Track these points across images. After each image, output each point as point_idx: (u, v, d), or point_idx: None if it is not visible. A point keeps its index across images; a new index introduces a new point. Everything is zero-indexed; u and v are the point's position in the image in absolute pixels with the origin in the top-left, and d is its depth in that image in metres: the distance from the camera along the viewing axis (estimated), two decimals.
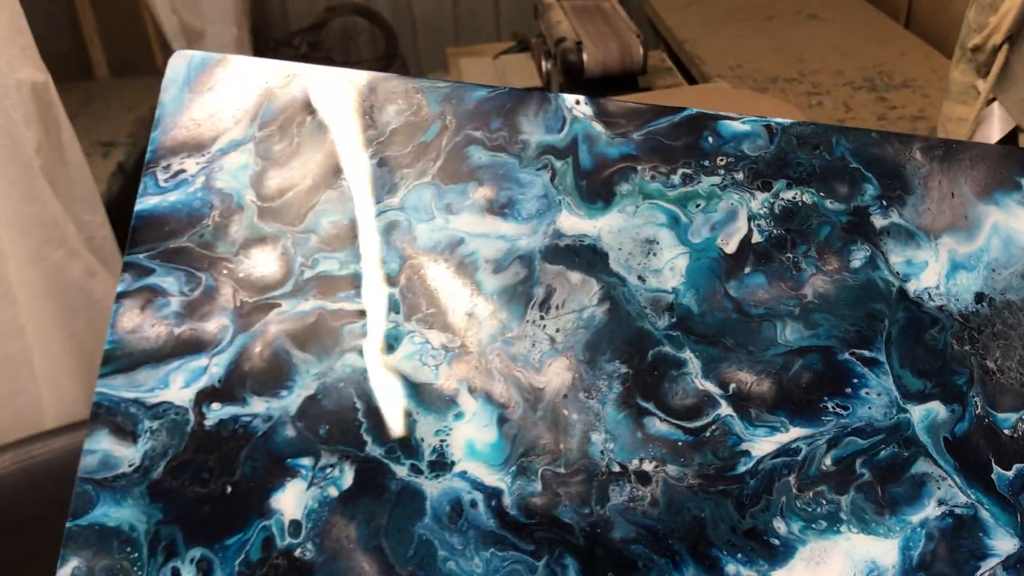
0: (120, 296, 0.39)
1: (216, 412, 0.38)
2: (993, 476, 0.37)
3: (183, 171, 0.40)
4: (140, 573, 0.37)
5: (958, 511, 0.37)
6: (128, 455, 0.38)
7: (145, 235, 0.40)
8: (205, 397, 0.38)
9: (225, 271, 0.39)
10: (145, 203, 0.40)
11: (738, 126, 0.40)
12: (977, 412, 0.38)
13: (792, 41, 1.87)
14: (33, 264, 0.87)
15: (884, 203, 0.39)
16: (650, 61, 1.19)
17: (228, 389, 0.38)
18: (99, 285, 0.94)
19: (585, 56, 1.06)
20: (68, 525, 0.37)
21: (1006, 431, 0.37)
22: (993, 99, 0.79)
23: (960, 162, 0.40)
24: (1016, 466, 0.37)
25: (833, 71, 1.72)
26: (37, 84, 0.87)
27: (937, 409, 0.38)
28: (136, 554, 0.37)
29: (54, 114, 0.91)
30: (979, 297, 0.39)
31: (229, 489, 0.37)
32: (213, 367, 0.38)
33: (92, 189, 0.97)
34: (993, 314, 0.38)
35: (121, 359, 0.38)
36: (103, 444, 0.38)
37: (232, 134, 0.41)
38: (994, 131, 0.77)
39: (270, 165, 0.40)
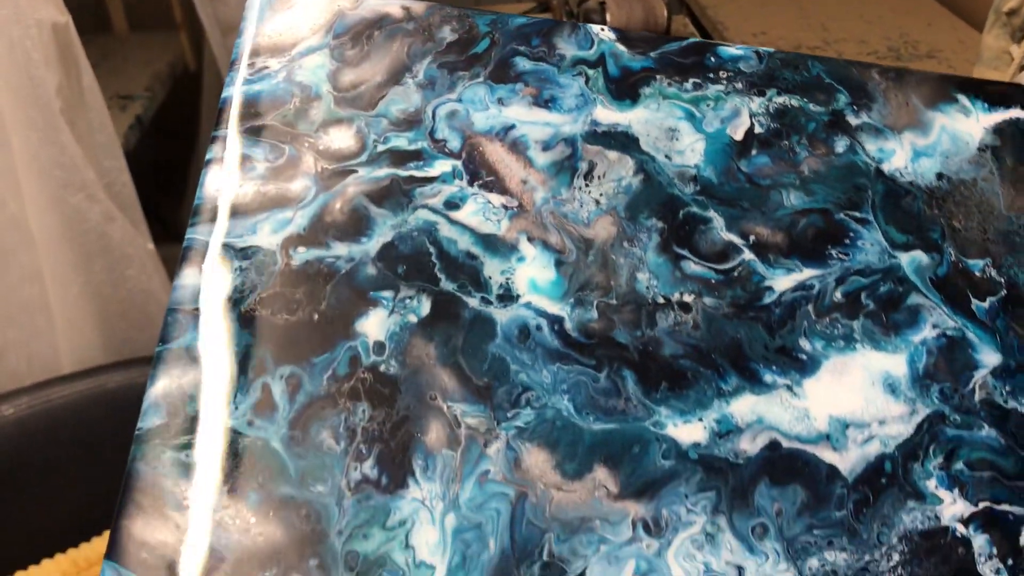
0: (208, 163, 0.44)
1: (301, 254, 0.43)
2: (972, 307, 0.45)
3: (266, 67, 0.47)
4: (231, 388, 0.39)
5: (949, 332, 0.44)
6: (220, 288, 0.41)
7: (232, 115, 0.45)
8: (291, 242, 0.43)
9: (307, 144, 0.45)
10: (231, 91, 0.46)
11: (733, 50, 0.50)
12: (952, 259, 0.46)
13: (817, 9, 1.81)
14: (52, 208, 0.86)
15: (855, 107, 0.49)
16: (673, 26, 1.21)
17: (312, 235, 0.43)
18: (118, 231, 0.92)
19: (608, 17, 1.11)
20: (157, 350, 0.40)
21: (977, 273, 0.46)
22: None
23: (908, 82, 0.51)
24: (989, 298, 0.45)
25: (857, 40, 1.68)
26: (58, 25, 0.85)
27: (920, 256, 0.46)
28: (226, 371, 0.40)
29: (74, 56, 0.89)
30: (939, 176, 0.48)
31: (316, 317, 0.41)
32: (298, 218, 0.43)
33: (112, 135, 0.96)
34: (952, 188, 0.48)
35: (209, 211, 0.43)
36: (193, 280, 0.41)
37: (310, 42, 0.48)
38: None
39: (344, 66, 0.47)
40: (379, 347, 0.41)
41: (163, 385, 0.39)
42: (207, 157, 0.44)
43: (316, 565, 0.37)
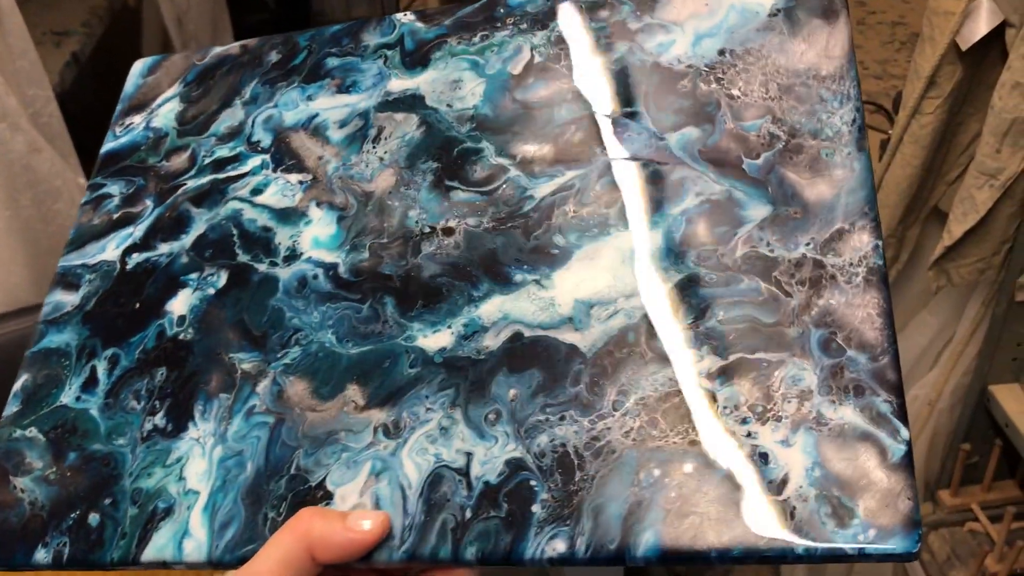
0: (82, 205, 0.54)
1: (135, 259, 0.51)
2: (744, 166, 0.43)
3: (132, 123, 0.57)
4: (68, 372, 0.48)
5: (714, 197, 0.43)
6: (72, 299, 0.51)
7: (104, 166, 0.55)
8: (128, 251, 0.51)
9: (152, 174, 0.54)
10: (106, 147, 0.56)
11: None
12: (726, 127, 0.45)
13: None
14: None
15: (638, 13, 0.50)
16: None
17: (145, 242, 0.51)
18: (44, 163, 0.88)
19: None
20: (25, 355, 0.50)
21: (752, 133, 0.44)
22: None
23: None
24: (764, 154, 0.43)
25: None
26: None
27: (690, 132, 0.45)
28: (67, 362, 0.48)
29: None
30: (721, 52, 0.47)
31: (137, 305, 0.49)
32: (137, 231, 0.52)
33: (36, 62, 0.91)
34: (734, 59, 0.47)
35: (76, 241, 0.53)
36: (56, 297, 0.51)
37: (167, 94, 0.57)
38: (981, 24, 0.79)
39: (190, 105, 0.56)
40: (181, 320, 0.47)
41: (24, 380, 0.48)
42: (81, 201, 0.54)
43: (110, 503, 0.43)
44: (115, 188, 0.53)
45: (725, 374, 0.38)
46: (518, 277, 0.43)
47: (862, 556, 0.34)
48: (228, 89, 0.55)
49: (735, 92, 0.45)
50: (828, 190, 0.42)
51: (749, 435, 0.37)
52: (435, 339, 0.43)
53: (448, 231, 0.46)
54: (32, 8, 1.03)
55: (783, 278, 0.40)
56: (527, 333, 0.41)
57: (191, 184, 0.52)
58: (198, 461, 0.43)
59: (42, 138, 0.93)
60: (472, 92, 0.50)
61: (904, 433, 0.35)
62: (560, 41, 0.50)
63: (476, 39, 0.52)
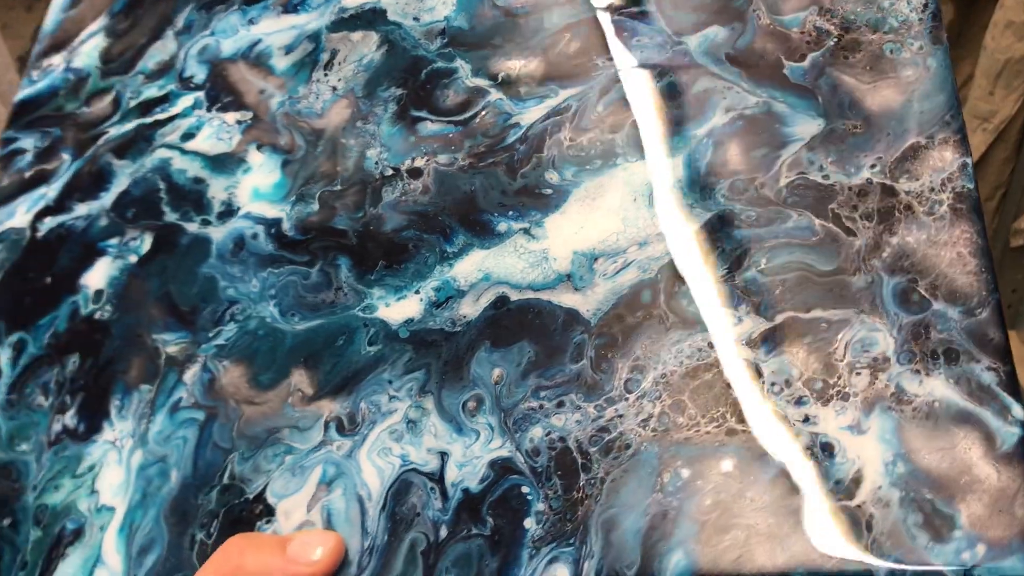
0: None
1: (47, 224, 0.42)
2: (786, 71, 0.34)
3: (50, 65, 0.48)
4: None
5: (748, 112, 0.34)
6: None
7: (18, 117, 0.47)
8: (40, 215, 0.43)
9: (70, 122, 0.45)
10: (21, 94, 0.47)
11: None
12: (760, 22, 0.35)
13: None
14: None
15: None
16: None
17: (59, 204, 0.42)
18: None
19: None
20: None
21: (795, 30, 0.35)
22: None
23: None
24: (810, 56, 0.34)
25: None
26: None
27: (715, 32, 0.36)
28: None
29: None
30: None
31: (49, 280, 0.40)
32: (51, 192, 0.43)
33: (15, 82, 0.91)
34: None
35: None
36: None
37: (90, 28, 0.48)
38: None
39: (116, 40, 0.47)
40: (98, 295, 0.39)
41: None
42: None
43: (8, 524, 0.35)
44: (28, 142, 0.45)
45: (771, 340, 0.29)
46: (502, 226, 0.34)
47: None
48: (159, 18, 0.46)
49: None
50: (896, 96, 0.32)
51: (807, 420, 0.27)
52: (399, 308, 0.34)
53: (415, 172, 0.36)
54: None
55: (843, 211, 0.30)
56: (514, 296, 0.32)
57: (113, 132, 0.43)
58: (113, 470, 0.34)
59: None
60: (443, 1, 0.40)
61: (1018, 411, 0.26)
62: None
63: None
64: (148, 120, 0.43)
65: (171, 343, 0.36)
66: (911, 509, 0.25)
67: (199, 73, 0.43)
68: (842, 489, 0.26)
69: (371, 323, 0.34)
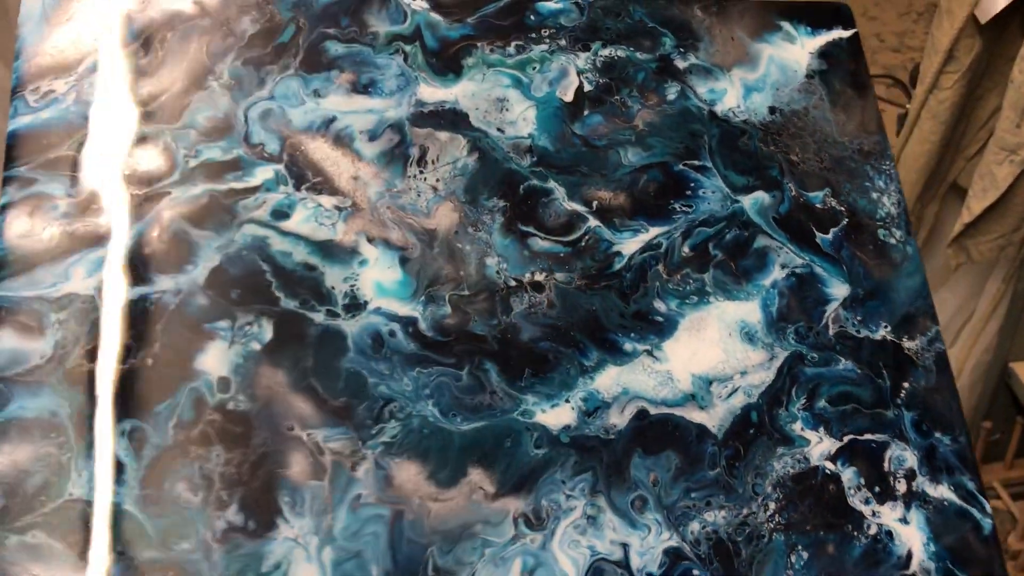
0: (3, 208, 0.41)
1: (122, 293, 0.40)
2: (818, 240, 0.46)
3: (52, 91, 0.43)
4: (67, 453, 0.37)
5: (798, 271, 0.45)
6: (38, 348, 0.39)
7: (22, 150, 0.42)
8: (109, 283, 0.40)
9: (109, 171, 0.42)
10: (18, 122, 0.42)
11: (552, 4, 0.49)
12: (792, 194, 0.47)
13: None
14: None
15: (682, 49, 0.49)
16: None
17: (132, 272, 0.41)
18: None
19: None
20: None
21: (818, 205, 0.47)
22: None
23: (731, 15, 0.51)
24: (832, 229, 0.47)
25: None
26: None
27: (762, 196, 0.47)
28: (63, 438, 0.38)
29: None
30: (772, 110, 0.49)
31: (150, 361, 0.39)
32: (112, 256, 0.41)
33: None
34: (785, 121, 0.48)
35: (16, 263, 0.40)
36: (9, 343, 0.39)
37: (97, 56, 0.44)
38: None
39: (140, 76, 0.44)
40: (223, 383, 0.39)
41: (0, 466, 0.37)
42: (1, 202, 0.41)
43: None
44: (57, 188, 0.41)
45: (843, 455, 0.42)
46: (628, 346, 0.43)
47: None
48: (194, 63, 0.45)
49: (793, 157, 0.48)
50: (891, 273, 0.47)
51: (874, 514, 0.42)
52: (555, 415, 0.41)
53: (537, 287, 0.43)
54: None
55: (873, 360, 0.45)
56: (652, 410, 0.42)
57: (179, 194, 0.42)
58: (305, 567, 0.37)
59: None
60: (523, 117, 0.46)
61: (988, 508, 0.43)
62: (609, 68, 0.48)
63: (511, 50, 0.48)
64: (221, 187, 0.43)
65: (331, 439, 0.39)
66: (941, 574, 0.41)
67: (270, 143, 0.44)
68: (902, 563, 0.41)
69: (533, 427, 0.41)
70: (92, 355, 0.39)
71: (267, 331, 0.40)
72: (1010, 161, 0.80)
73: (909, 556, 0.41)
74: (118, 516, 0.37)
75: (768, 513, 0.41)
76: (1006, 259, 0.92)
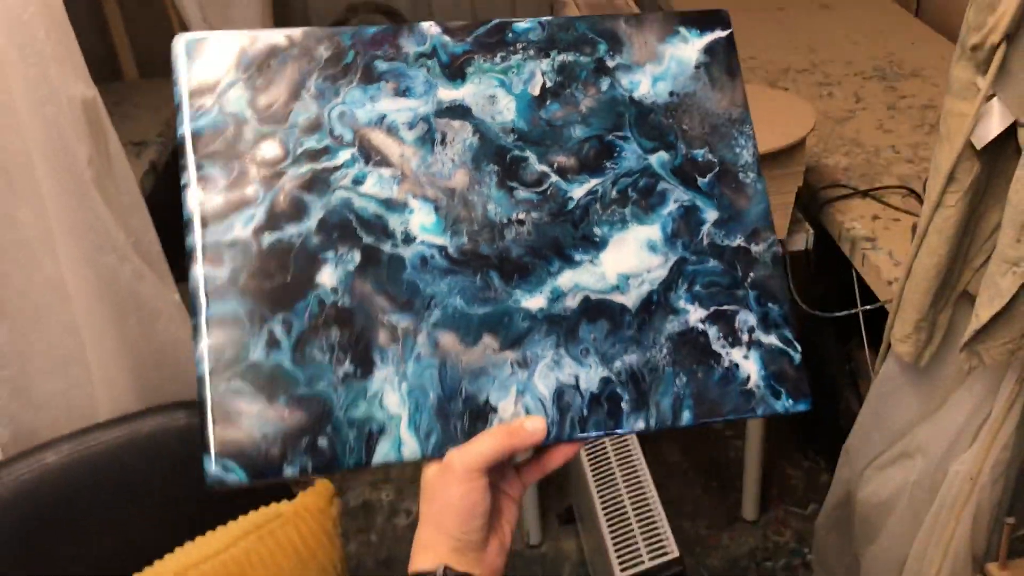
0: (184, 187, 0.66)
1: (267, 238, 0.66)
2: (699, 183, 0.73)
3: (203, 105, 0.68)
4: (247, 335, 0.64)
5: (685, 203, 0.72)
6: (220, 273, 0.65)
7: (196, 145, 0.67)
8: (258, 231, 0.66)
9: (247, 160, 0.67)
10: (185, 128, 0.67)
11: (524, 24, 0.73)
12: (683, 152, 0.73)
13: (804, 31, 1.91)
14: (87, 268, 0.96)
15: (612, 53, 0.74)
16: None
17: (270, 223, 0.66)
18: (148, 288, 1.01)
19: None
20: (193, 322, 0.64)
21: (700, 159, 0.73)
22: (992, 95, 0.84)
23: (645, 25, 0.75)
24: (708, 175, 0.73)
25: (844, 61, 1.77)
26: (87, 100, 0.96)
27: (663, 155, 0.73)
28: (243, 326, 0.64)
29: (102, 127, 0.99)
30: (671, 94, 0.74)
31: (289, 279, 0.66)
32: (258, 213, 0.66)
33: (137, 196, 1.06)
34: (680, 101, 0.74)
35: (201, 219, 0.65)
36: (204, 270, 0.65)
37: (227, 78, 0.69)
38: (994, 125, 0.83)
39: (257, 92, 0.69)
40: (334, 290, 0.66)
41: (208, 343, 0.63)
42: (182, 183, 0.66)
43: (331, 429, 0.64)
44: (216, 171, 0.67)
45: (710, 319, 0.70)
46: (577, 257, 0.70)
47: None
48: (291, 82, 0.69)
49: (684, 126, 0.74)
50: (745, 202, 0.73)
51: (727, 354, 0.70)
52: (534, 301, 0.68)
53: (520, 222, 0.70)
54: (113, 121, 1.04)
55: (731, 258, 0.72)
56: (593, 297, 0.69)
57: (292, 172, 0.68)
58: (392, 394, 0.65)
59: (145, 265, 0.98)
60: (507, 108, 0.72)
61: (798, 348, 0.71)
62: (562, 69, 0.73)
63: (497, 60, 0.72)
64: (319, 166, 0.68)
65: (401, 320, 0.66)
66: (768, 389, 0.70)
67: (346, 134, 0.69)
68: (743, 381, 0.69)
69: (520, 310, 0.68)
70: (252, 276, 0.65)
71: (356, 257, 0.67)
72: (1012, 272, 0.84)
73: (748, 377, 0.69)
74: (280, 371, 0.64)
75: (663, 355, 0.69)
76: (1017, 361, 0.94)
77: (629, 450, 1.53)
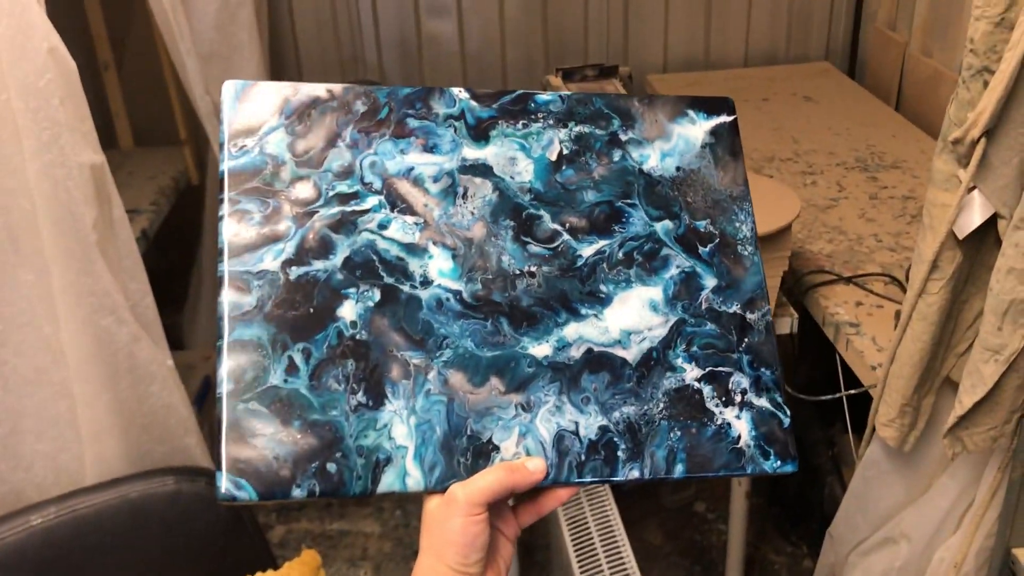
0: (221, 218, 0.71)
1: (295, 271, 0.70)
2: (699, 252, 0.78)
3: (244, 145, 0.73)
4: (268, 360, 0.68)
5: (686, 269, 0.77)
6: (248, 300, 0.69)
7: (230, 183, 0.72)
8: (287, 264, 0.70)
9: (283, 197, 0.72)
10: (227, 165, 0.72)
11: (545, 96, 0.79)
12: (687, 223, 0.78)
13: (788, 122, 1.97)
14: (85, 330, 0.97)
15: (624, 128, 0.80)
16: None
17: (298, 258, 0.71)
18: (143, 351, 1.02)
19: None
20: (218, 344, 0.68)
21: (702, 229, 0.78)
22: (973, 187, 0.86)
23: (656, 105, 0.81)
24: (709, 244, 0.78)
25: (826, 151, 1.83)
26: (95, 166, 0.99)
27: (667, 223, 0.78)
28: (264, 351, 0.68)
29: (108, 192, 1.01)
30: (678, 168, 0.80)
31: (311, 310, 0.70)
32: (287, 247, 0.71)
33: (137, 260, 1.08)
34: (686, 176, 0.79)
35: (232, 251, 0.70)
36: (233, 297, 0.69)
37: (270, 123, 0.74)
38: (975, 216, 0.85)
39: (296, 138, 0.74)
40: (353, 324, 0.70)
41: (230, 365, 0.67)
42: (219, 214, 0.71)
43: (340, 456, 0.67)
44: (252, 206, 0.71)
45: (705, 379, 0.74)
46: (583, 311, 0.74)
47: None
48: (328, 131, 0.75)
49: (689, 199, 0.79)
50: (743, 273, 0.78)
51: (720, 413, 0.73)
52: (540, 349, 0.72)
53: (531, 274, 0.74)
54: None
55: (727, 323, 0.76)
56: (596, 349, 0.73)
57: (323, 212, 0.72)
58: (400, 426, 0.68)
59: (141, 328, 0.99)
60: (525, 169, 0.77)
61: (788, 412, 0.75)
62: (579, 139, 0.79)
63: (519, 126, 0.78)
64: (348, 209, 0.73)
65: (413, 357, 0.70)
66: (758, 449, 0.73)
67: (375, 182, 0.74)
68: (734, 440, 0.73)
69: (527, 356, 0.72)
70: (279, 305, 0.69)
71: (377, 295, 0.71)
72: (995, 360, 0.85)
73: (739, 436, 0.73)
74: (296, 396, 0.67)
75: (659, 409, 0.72)
76: (1000, 449, 0.94)
77: (613, 533, 1.54)
